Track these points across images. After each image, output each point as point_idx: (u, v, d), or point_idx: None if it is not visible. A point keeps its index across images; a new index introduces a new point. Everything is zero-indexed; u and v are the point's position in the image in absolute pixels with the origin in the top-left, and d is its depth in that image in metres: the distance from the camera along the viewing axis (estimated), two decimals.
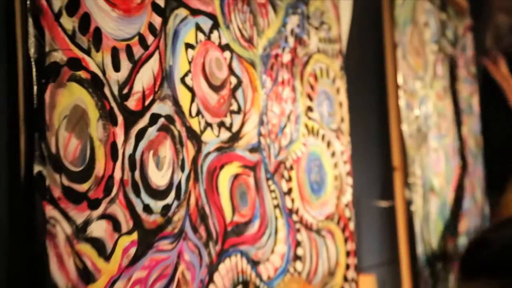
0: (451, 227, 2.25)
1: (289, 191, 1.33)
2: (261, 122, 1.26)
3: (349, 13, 1.92)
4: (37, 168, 0.80)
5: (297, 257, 1.33)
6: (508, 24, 3.75)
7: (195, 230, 1.06)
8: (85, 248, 0.86)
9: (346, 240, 1.52)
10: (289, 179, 1.34)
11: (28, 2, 0.80)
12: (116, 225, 0.91)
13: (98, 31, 0.91)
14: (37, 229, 0.80)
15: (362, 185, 2.01)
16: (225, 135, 1.16)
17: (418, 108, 2.08)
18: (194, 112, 1.09)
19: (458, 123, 2.46)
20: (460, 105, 2.52)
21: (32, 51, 0.81)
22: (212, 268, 1.09)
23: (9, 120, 0.82)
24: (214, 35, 1.16)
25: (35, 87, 0.81)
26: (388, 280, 1.99)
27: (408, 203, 1.94)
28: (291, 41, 1.40)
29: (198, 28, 1.12)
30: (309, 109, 1.44)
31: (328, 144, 1.50)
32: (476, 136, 2.65)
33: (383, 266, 2.02)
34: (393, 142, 1.97)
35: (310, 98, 1.45)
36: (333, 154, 1.51)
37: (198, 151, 1.09)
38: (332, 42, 1.57)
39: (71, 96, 0.86)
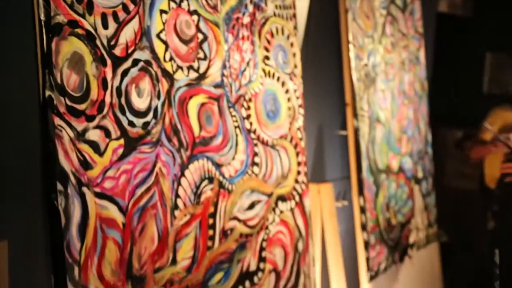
0: (395, 149, 2.39)
1: (248, 116, 1.49)
2: (223, 67, 1.42)
3: None
4: (48, 92, 0.99)
5: (254, 163, 1.50)
6: None
7: (169, 140, 1.24)
8: (84, 147, 1.05)
9: (297, 154, 1.68)
10: (248, 108, 1.50)
11: None
12: (107, 133, 1.09)
13: (90, 1, 1.08)
14: (50, 132, 0.99)
15: (325, 117, 2.17)
16: (193, 75, 1.32)
17: (366, 58, 2.21)
18: (167, 58, 1.25)
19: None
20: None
21: (42, 15, 0.99)
22: (184, 167, 1.27)
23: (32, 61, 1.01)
24: (184, 3, 1.31)
25: (45, 40, 0.99)
26: (343, 188, 2.16)
27: (356, 130, 2.09)
28: (251, 7, 1.54)
29: None
30: (266, 58, 1.59)
31: (283, 84, 1.65)
32: (422, 81, 2.76)
33: (343, 179, 2.18)
34: (345, 84, 2.11)
35: (267, 50, 1.60)
36: (287, 91, 1.66)
37: (171, 85, 1.26)
38: (286, 8, 1.70)
39: (71, 46, 1.04)
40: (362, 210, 2.08)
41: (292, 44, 1.71)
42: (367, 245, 2.08)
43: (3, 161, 0.98)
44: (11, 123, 0.99)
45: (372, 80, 2.25)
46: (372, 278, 2.10)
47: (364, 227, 2.08)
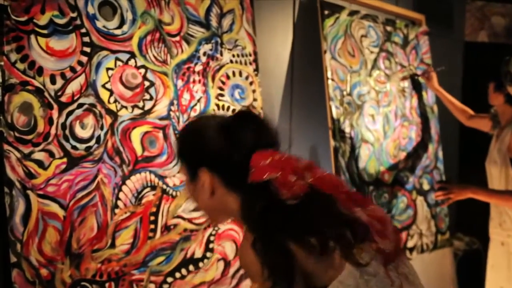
0: (388, 164, 2.38)
1: None
2: (171, 104, 1.64)
3: (291, 35, 2.20)
4: (1, 128, 1.30)
5: None
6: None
7: (111, 158, 1.49)
8: (30, 164, 1.34)
9: None
10: None
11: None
12: (51, 154, 1.38)
13: (40, 68, 1.39)
14: (1, 154, 1.30)
15: (316, 138, 2.27)
16: (137, 111, 1.56)
17: (349, 89, 2.28)
18: (112, 101, 1.51)
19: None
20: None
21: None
22: (125, 178, 1.51)
23: None
24: (131, 61, 1.58)
25: (1, 95, 1.31)
26: None
27: (335, 149, 2.16)
28: (204, 58, 1.75)
29: (117, 59, 1.54)
30: (220, 95, 1.78)
31: None
32: (430, 105, 2.69)
33: None
34: (327, 110, 2.20)
35: (221, 89, 1.79)
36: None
37: (115, 120, 1.51)
38: (245, 56, 1.88)
39: (22, 98, 1.34)
40: None
41: (251, 83, 1.88)
42: None
43: None
44: None
45: (358, 107, 2.30)
46: None
47: None
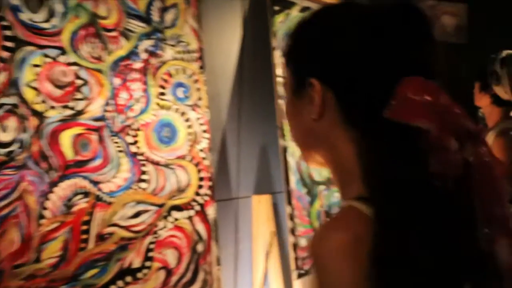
0: None
1: (135, 142, 1.55)
2: (106, 104, 1.49)
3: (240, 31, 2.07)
4: None
5: (142, 180, 1.54)
6: None
7: (37, 164, 1.33)
8: None
9: (199, 171, 1.70)
10: (136, 136, 1.55)
11: None
12: None
13: None
14: None
15: (267, 138, 2.16)
16: (68, 112, 1.41)
17: None
18: (38, 101, 1.35)
19: None
20: None
21: None
22: (53, 185, 1.35)
23: None
24: (61, 58, 1.41)
25: None
26: (279, 201, 2.12)
27: (284, 149, 2.05)
28: (144, 55, 1.60)
29: (45, 55, 1.38)
30: (162, 94, 1.64)
31: (183, 114, 1.68)
32: None
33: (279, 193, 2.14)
34: (276, 109, 2.09)
35: (163, 87, 1.65)
36: (187, 120, 1.69)
37: (41, 122, 1.35)
38: (190, 52, 1.74)
39: None
40: (291, 217, 2.03)
41: (196, 81, 1.75)
42: (295, 246, 2.02)
43: None
44: None
45: None
46: (300, 276, 2.03)
47: (292, 231, 2.02)
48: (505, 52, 1.98)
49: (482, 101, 2.08)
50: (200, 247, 1.66)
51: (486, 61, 2.05)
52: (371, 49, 0.66)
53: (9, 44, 1.31)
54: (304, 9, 2.23)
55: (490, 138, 1.97)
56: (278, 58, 2.09)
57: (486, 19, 3.59)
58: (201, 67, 1.77)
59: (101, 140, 1.46)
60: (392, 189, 0.57)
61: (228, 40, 2.05)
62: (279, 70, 2.07)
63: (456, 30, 3.75)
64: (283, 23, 2.14)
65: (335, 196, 2.26)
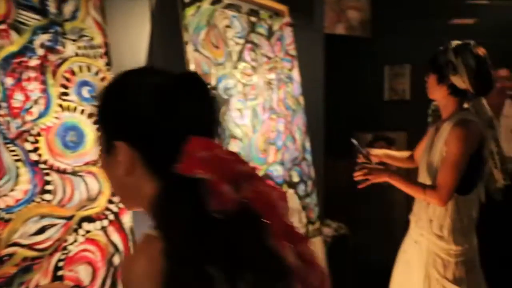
0: (258, 159, 2.23)
1: (35, 149, 1.36)
2: None
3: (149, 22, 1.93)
4: None
5: (45, 191, 1.36)
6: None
7: None
8: None
9: None
10: (36, 142, 1.36)
11: None
12: None
13: None
14: None
15: None
16: None
17: (215, 83, 2.07)
18: None
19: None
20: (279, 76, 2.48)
21: None
22: None
23: None
24: None
25: None
26: None
27: None
28: (41, 51, 1.41)
29: None
30: (64, 94, 1.46)
31: (90, 115, 1.51)
32: (296, 97, 2.60)
33: None
34: None
35: (65, 87, 1.47)
36: (95, 122, 1.52)
37: None
38: (94, 48, 1.57)
39: None
40: None
41: (103, 79, 1.58)
42: None
43: None
44: None
45: (225, 101, 2.11)
46: None
47: None
48: (454, 43, 1.95)
49: (439, 93, 2.00)
50: (116, 260, 1.51)
51: (433, 54, 2.00)
52: (163, 114, 0.77)
53: None
54: (215, 2, 2.13)
55: (446, 128, 1.93)
56: (191, 53, 1.97)
57: (390, 14, 3.71)
58: (108, 64, 1.61)
59: None
60: (175, 224, 0.72)
61: (136, 35, 1.90)
62: (193, 66, 1.95)
63: (361, 25, 3.85)
64: (195, 16, 2.02)
65: None
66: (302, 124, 2.62)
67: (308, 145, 2.63)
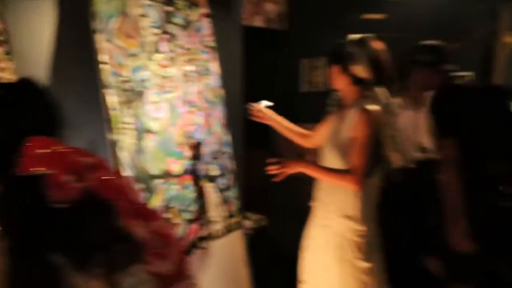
0: (176, 154, 2.16)
1: None
2: None
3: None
4: None
5: None
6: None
7: None
8: None
9: None
10: None
11: None
12: None
13: None
14: None
15: (92, 130, 1.91)
16: None
17: (130, 75, 1.96)
18: None
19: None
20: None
21: None
22: None
23: None
24: None
25: None
26: None
27: (113, 143, 1.83)
28: None
29: None
30: None
31: None
32: (215, 89, 2.55)
33: None
34: (103, 100, 1.85)
35: None
36: None
37: None
38: None
39: None
40: None
41: (2, 70, 1.44)
42: None
43: None
44: None
45: (139, 94, 2.00)
46: None
47: None
48: (353, 36, 2.06)
49: (341, 83, 2.10)
50: None
51: (335, 46, 2.08)
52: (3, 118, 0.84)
53: None
54: None
55: (352, 115, 2.02)
56: (101, 42, 1.85)
57: (306, 7, 3.75)
58: (8, 53, 1.47)
59: None
60: (14, 220, 0.78)
61: (40, 22, 1.74)
62: (103, 56, 1.83)
63: (278, 17, 3.87)
64: (106, 4, 1.90)
65: (174, 189, 2.12)
66: (221, 117, 2.57)
67: (228, 138, 2.59)
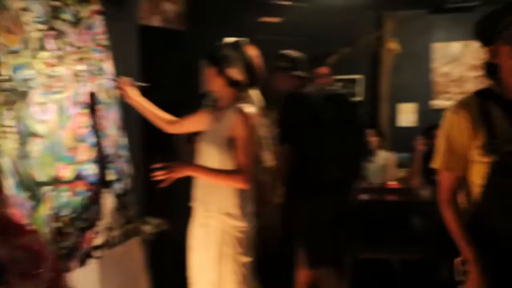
0: (66, 158, 2.01)
1: None
2: None
3: None
4: None
5: None
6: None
7: None
8: None
9: None
10: None
11: None
12: None
13: None
14: None
15: None
16: None
17: (12, 73, 1.78)
18: None
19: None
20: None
21: None
22: None
23: None
24: None
25: None
26: None
27: None
28: None
29: None
30: None
31: None
32: (108, 90, 2.42)
33: None
34: None
35: None
36: None
37: None
38: None
39: None
40: None
41: None
42: None
43: None
44: None
45: (22, 94, 1.83)
46: None
47: None
48: (229, 39, 2.14)
49: (217, 84, 2.16)
50: None
51: (211, 48, 2.16)
52: None
53: None
54: None
55: (229, 116, 2.08)
56: None
57: (204, 8, 3.72)
58: None
59: None
60: None
61: None
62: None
63: (177, 17, 3.79)
64: None
65: (64, 196, 1.97)
66: (116, 118, 2.44)
67: (124, 140, 2.47)
